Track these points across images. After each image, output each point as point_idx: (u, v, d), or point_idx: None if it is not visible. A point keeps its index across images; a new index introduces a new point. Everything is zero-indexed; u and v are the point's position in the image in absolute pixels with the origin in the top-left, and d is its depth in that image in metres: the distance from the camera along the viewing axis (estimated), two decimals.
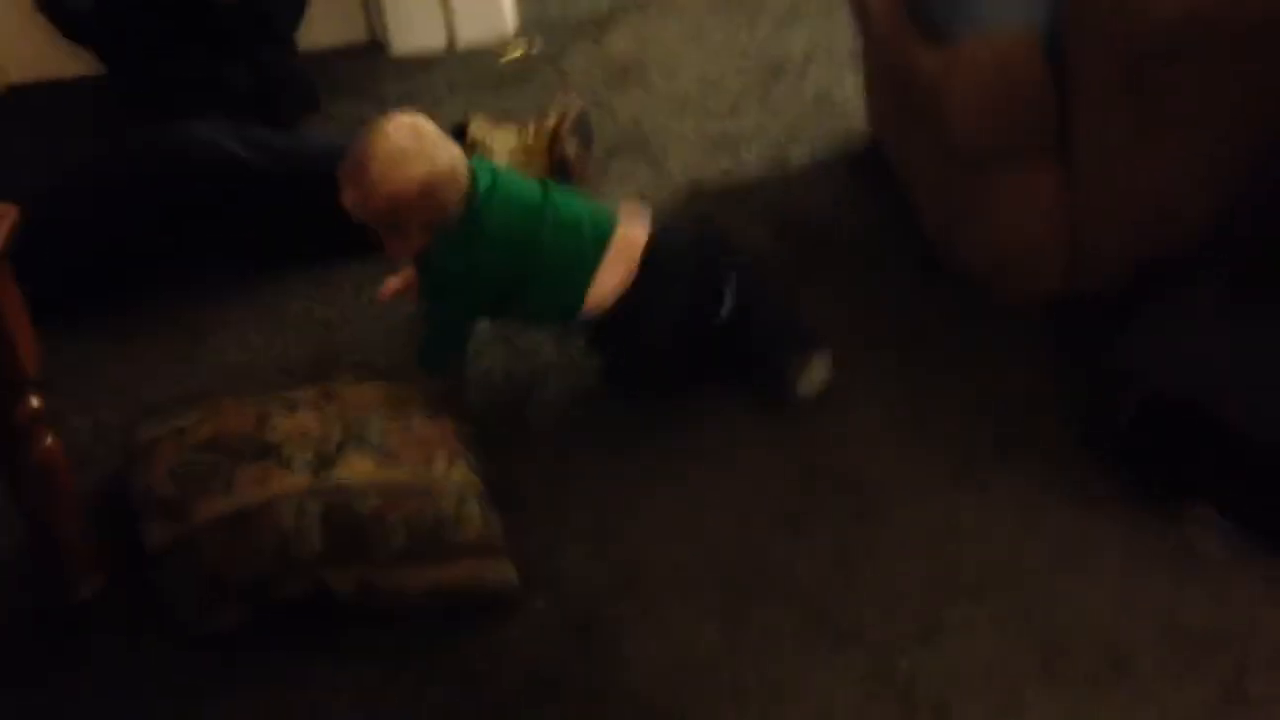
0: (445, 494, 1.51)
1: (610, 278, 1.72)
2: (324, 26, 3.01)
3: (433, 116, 2.69)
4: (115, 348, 2.03)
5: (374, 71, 3.03)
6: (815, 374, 1.76)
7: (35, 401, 1.39)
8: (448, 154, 1.67)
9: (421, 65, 3.03)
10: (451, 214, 1.67)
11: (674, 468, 1.69)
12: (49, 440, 1.42)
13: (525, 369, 1.92)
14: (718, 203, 2.32)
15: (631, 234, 1.76)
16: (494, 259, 1.69)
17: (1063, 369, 1.78)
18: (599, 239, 1.73)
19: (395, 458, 1.54)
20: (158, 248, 2.16)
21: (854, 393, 1.79)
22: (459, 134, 2.32)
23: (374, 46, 3.18)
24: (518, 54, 3.06)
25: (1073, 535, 1.54)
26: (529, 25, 3.21)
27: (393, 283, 1.87)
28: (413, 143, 1.66)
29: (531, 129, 2.34)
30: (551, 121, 2.31)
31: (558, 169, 2.26)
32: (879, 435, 1.72)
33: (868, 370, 1.84)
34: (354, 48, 3.15)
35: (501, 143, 2.30)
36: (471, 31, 3.13)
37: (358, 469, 1.51)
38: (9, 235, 1.29)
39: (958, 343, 1.87)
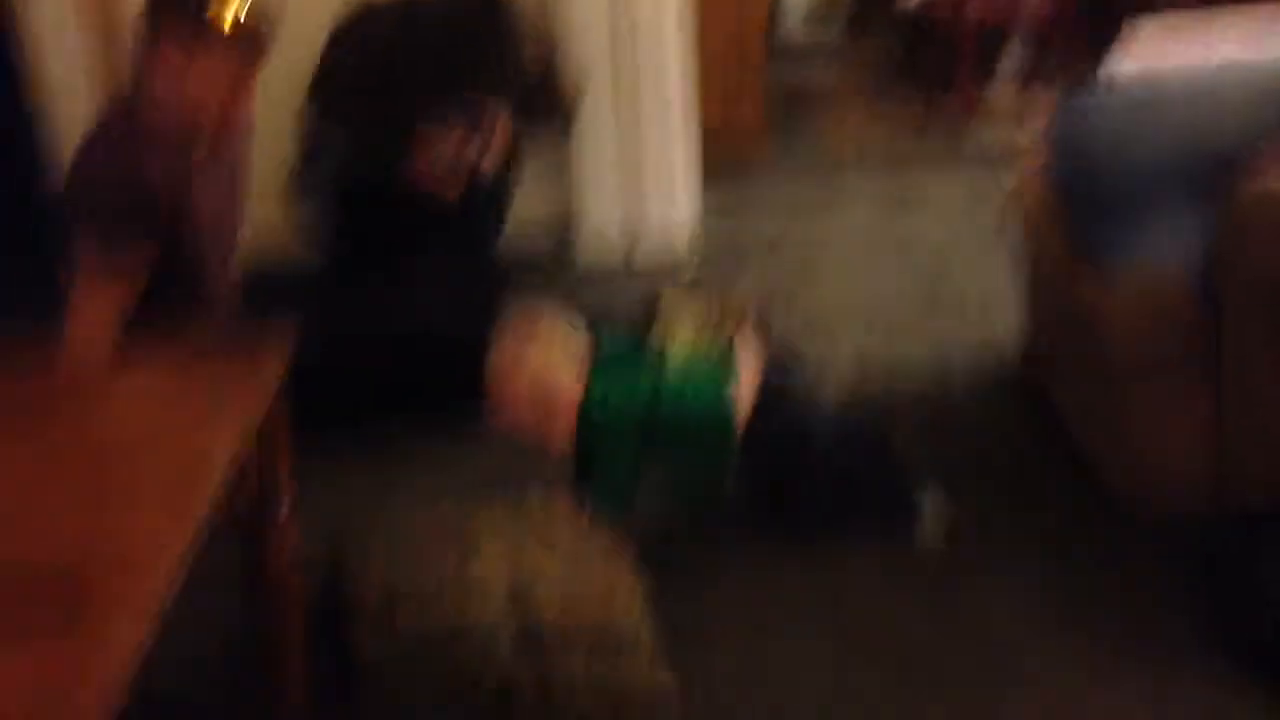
0: (623, 611, 1.66)
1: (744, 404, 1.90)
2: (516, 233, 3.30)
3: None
4: (322, 478, 2.23)
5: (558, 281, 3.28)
6: (934, 520, 1.93)
7: (284, 512, 1.59)
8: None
9: (602, 278, 3.30)
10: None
11: (830, 621, 1.81)
12: (288, 547, 1.61)
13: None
14: (880, 408, 2.47)
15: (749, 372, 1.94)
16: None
17: (1204, 581, 1.84)
18: (720, 417, 1.91)
19: (580, 587, 1.69)
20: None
21: (1001, 580, 1.90)
22: (652, 302, 2.52)
23: (560, 257, 3.46)
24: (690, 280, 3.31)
25: None
26: (704, 247, 3.48)
27: None
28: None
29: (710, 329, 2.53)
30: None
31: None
32: (1022, 620, 1.81)
33: (1014, 563, 1.94)
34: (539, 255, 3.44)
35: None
36: (651, 247, 3.41)
37: (546, 600, 1.65)
38: (292, 350, 1.51)
39: (1104, 552, 1.96)
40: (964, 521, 2.06)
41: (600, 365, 1.97)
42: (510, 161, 2.94)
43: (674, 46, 3.33)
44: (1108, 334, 1.87)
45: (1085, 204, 2.12)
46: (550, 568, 1.73)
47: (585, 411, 1.93)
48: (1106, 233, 2.01)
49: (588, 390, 1.93)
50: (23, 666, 0.99)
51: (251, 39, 2.06)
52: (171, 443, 1.39)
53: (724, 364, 2.03)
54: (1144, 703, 1.64)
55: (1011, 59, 5.37)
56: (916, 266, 3.27)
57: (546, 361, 1.94)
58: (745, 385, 1.98)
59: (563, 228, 3.50)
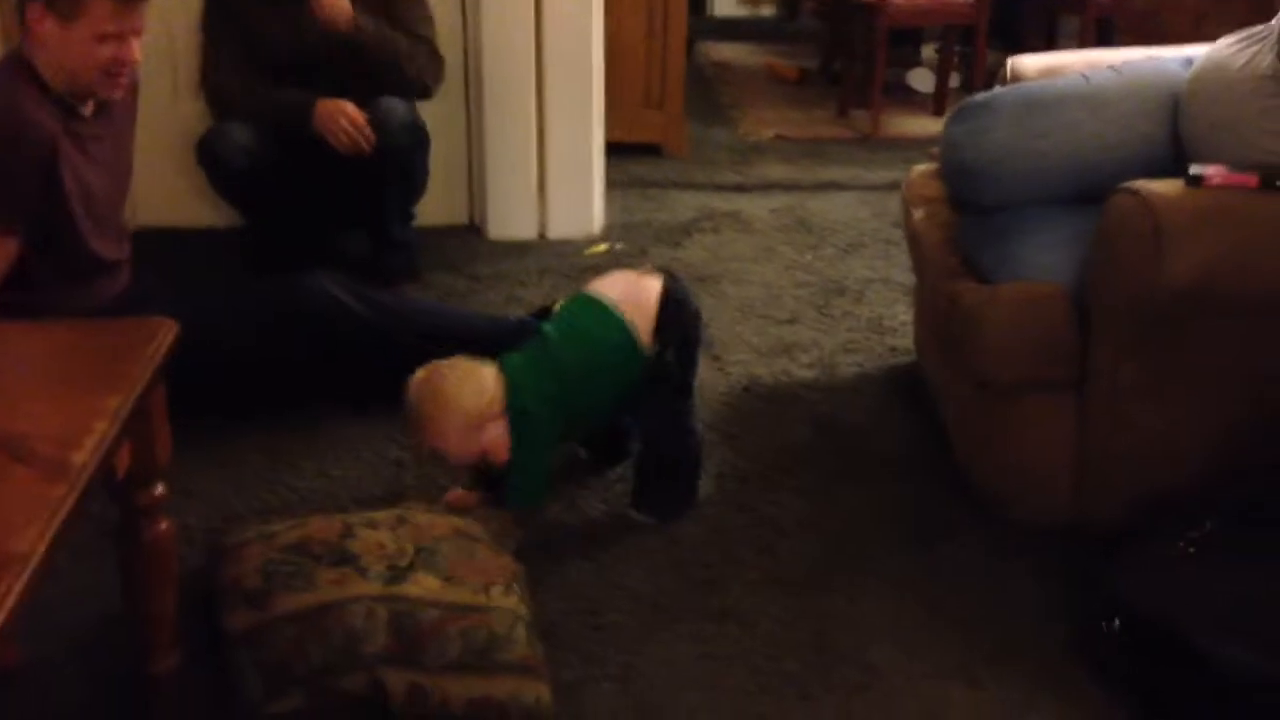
0: (498, 616, 1.68)
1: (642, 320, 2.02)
2: (432, 208, 3.34)
3: (519, 296, 3.00)
4: (208, 461, 2.24)
5: (471, 251, 3.34)
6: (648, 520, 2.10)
7: (160, 489, 1.60)
8: (474, 396, 1.97)
9: (514, 250, 3.35)
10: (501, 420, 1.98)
11: (702, 625, 1.85)
12: (165, 524, 1.62)
13: (576, 520, 2.11)
14: (769, 400, 2.54)
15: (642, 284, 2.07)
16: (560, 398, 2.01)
17: (1065, 587, 1.93)
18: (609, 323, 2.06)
19: (458, 581, 1.72)
20: (265, 379, 2.40)
21: (871, 582, 1.95)
22: (544, 314, 2.58)
23: (473, 229, 3.51)
24: (601, 249, 3.36)
25: None
26: (614, 228, 3.53)
27: (458, 496, 2.09)
28: (439, 403, 1.98)
29: None
30: None
31: None
32: (888, 622, 1.87)
33: (885, 564, 2.00)
34: (456, 229, 3.49)
35: None
36: (562, 227, 3.45)
37: (425, 585, 1.69)
38: (171, 345, 1.53)
39: (971, 552, 2.03)
40: (838, 519, 2.12)
41: (510, 368, 2.02)
42: (418, 132, 2.95)
43: (591, 29, 3.33)
44: (984, 343, 1.94)
45: (970, 206, 2.18)
46: (430, 560, 1.76)
47: (518, 408, 1.97)
48: (989, 239, 2.07)
49: (511, 390, 1.98)
50: None
51: None
52: (53, 404, 1.39)
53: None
54: (1007, 710, 1.70)
55: (928, 53, 5.46)
56: (822, 256, 3.33)
57: (463, 392, 1.97)
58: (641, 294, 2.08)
59: (475, 204, 3.51)
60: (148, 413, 1.51)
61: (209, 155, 2.88)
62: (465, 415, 1.96)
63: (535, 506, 2.06)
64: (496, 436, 1.98)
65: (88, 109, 2.17)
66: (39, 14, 2.06)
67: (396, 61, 2.87)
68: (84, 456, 1.26)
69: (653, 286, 2.08)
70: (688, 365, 2.13)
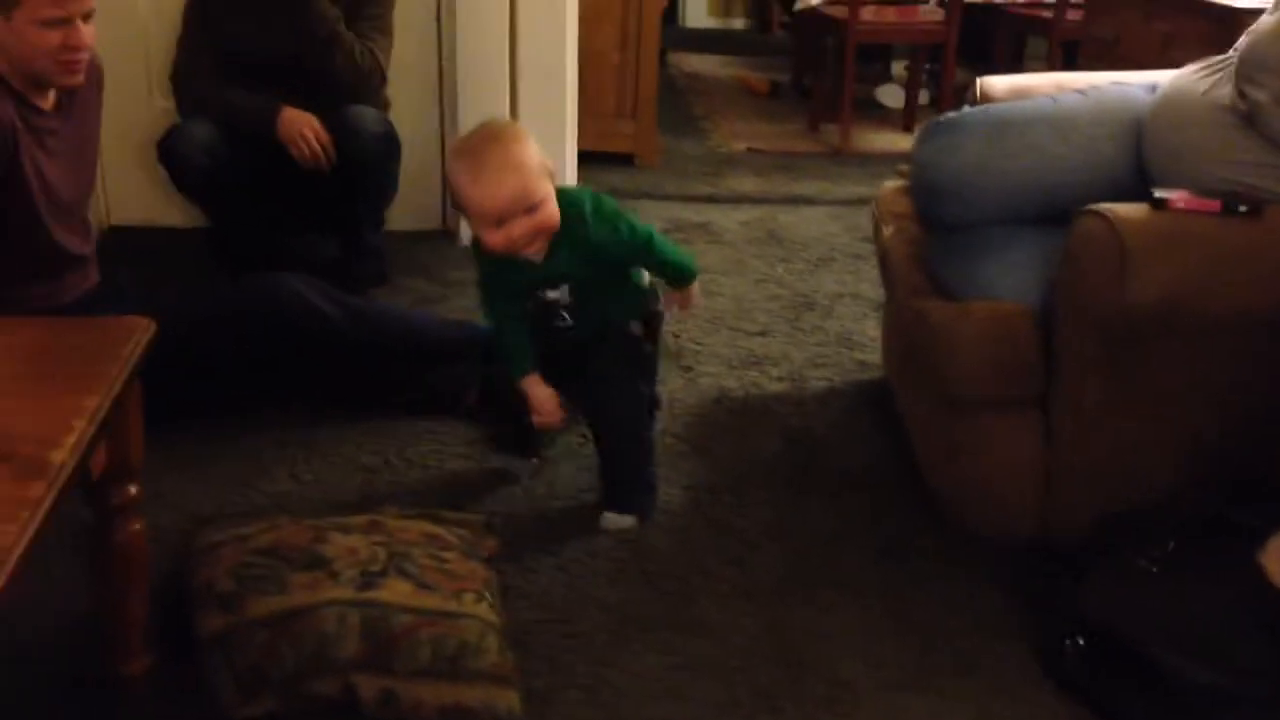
0: (470, 624, 1.69)
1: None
2: (404, 213, 3.35)
3: None
4: (179, 463, 2.24)
5: (442, 257, 3.35)
6: (621, 524, 2.12)
7: (134, 489, 1.60)
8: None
9: None
10: None
11: (671, 636, 1.86)
12: (138, 525, 1.62)
13: (547, 530, 2.12)
14: (739, 412, 2.56)
15: None
16: None
17: (1029, 602, 1.96)
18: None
19: (430, 588, 1.73)
20: (235, 381, 2.40)
21: (839, 595, 1.98)
22: None
23: (445, 235, 3.51)
24: None
25: None
26: None
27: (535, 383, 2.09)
28: (512, 132, 1.98)
29: None
30: None
31: None
32: (855, 634, 1.89)
33: (853, 577, 2.02)
34: (428, 234, 3.49)
35: None
36: None
37: (396, 591, 1.70)
38: (149, 345, 1.53)
39: (937, 566, 2.06)
40: (807, 532, 2.15)
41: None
42: (388, 141, 2.96)
43: (564, 38, 3.35)
44: (951, 360, 1.96)
45: (938, 224, 2.21)
46: (402, 566, 1.77)
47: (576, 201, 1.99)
48: (956, 257, 2.11)
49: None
50: None
51: None
52: (32, 403, 1.39)
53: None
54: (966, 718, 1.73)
55: (898, 69, 5.52)
56: (793, 270, 3.36)
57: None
58: None
59: (447, 209, 3.52)
60: (124, 412, 1.51)
61: (169, 153, 2.87)
62: (536, 149, 1.93)
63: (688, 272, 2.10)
64: (551, 198, 1.93)
65: (47, 103, 2.16)
66: None
67: (330, 48, 2.86)
68: (63, 455, 1.26)
69: None
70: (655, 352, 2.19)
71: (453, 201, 2.01)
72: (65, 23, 2.06)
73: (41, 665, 1.74)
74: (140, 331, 1.55)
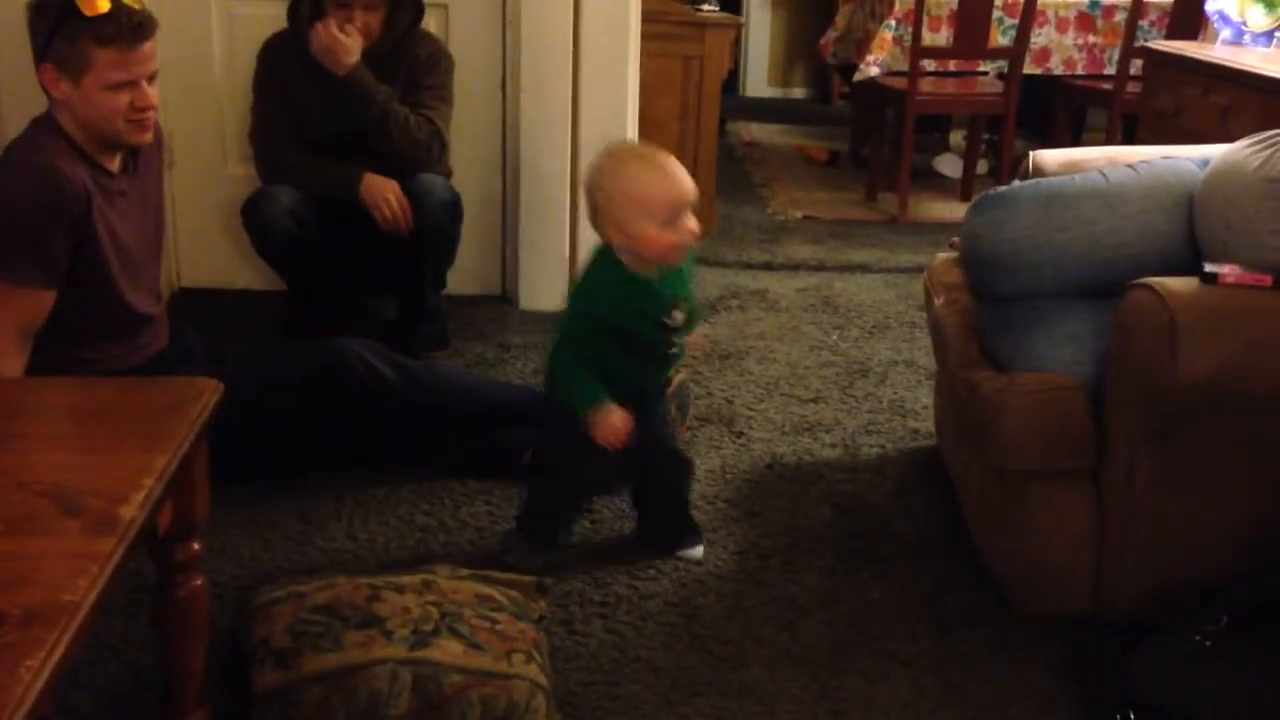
0: (519, 684, 1.71)
1: None
2: (465, 277, 3.42)
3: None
4: (240, 520, 2.30)
5: (502, 321, 3.41)
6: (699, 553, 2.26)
7: (198, 546, 1.65)
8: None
9: (544, 321, 3.41)
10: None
11: (720, 700, 1.87)
12: (200, 581, 1.67)
13: (597, 593, 2.14)
14: (791, 479, 2.57)
15: None
16: None
17: (1080, 677, 1.94)
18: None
19: (480, 648, 1.76)
20: (297, 441, 2.46)
21: (890, 665, 1.97)
22: None
23: (505, 299, 3.58)
24: None
25: None
26: None
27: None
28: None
29: None
30: None
31: None
32: (906, 706, 1.88)
33: (904, 648, 2.02)
34: (488, 298, 3.56)
35: None
36: None
37: (448, 650, 1.73)
38: (217, 405, 1.59)
39: (988, 639, 2.04)
40: (858, 600, 2.15)
41: None
42: (455, 208, 3.04)
43: (626, 107, 3.42)
44: (1002, 432, 1.97)
45: (990, 296, 2.23)
46: (454, 625, 1.80)
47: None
48: (1008, 329, 2.12)
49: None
50: None
51: (133, 24, 2.12)
52: (102, 460, 1.45)
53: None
54: None
55: (956, 139, 5.55)
56: (847, 337, 3.38)
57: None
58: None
59: (506, 275, 3.59)
60: (191, 471, 1.56)
61: (254, 217, 2.96)
62: None
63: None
64: None
65: (115, 164, 2.25)
66: (52, 77, 2.15)
67: (385, 125, 2.93)
68: (132, 511, 1.31)
69: None
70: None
71: (594, 214, 2.06)
72: (132, 85, 2.16)
73: (103, 716, 1.78)
74: (209, 393, 1.61)
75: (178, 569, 1.64)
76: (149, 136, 2.25)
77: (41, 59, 2.16)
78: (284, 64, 3.00)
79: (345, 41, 2.89)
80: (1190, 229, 2.12)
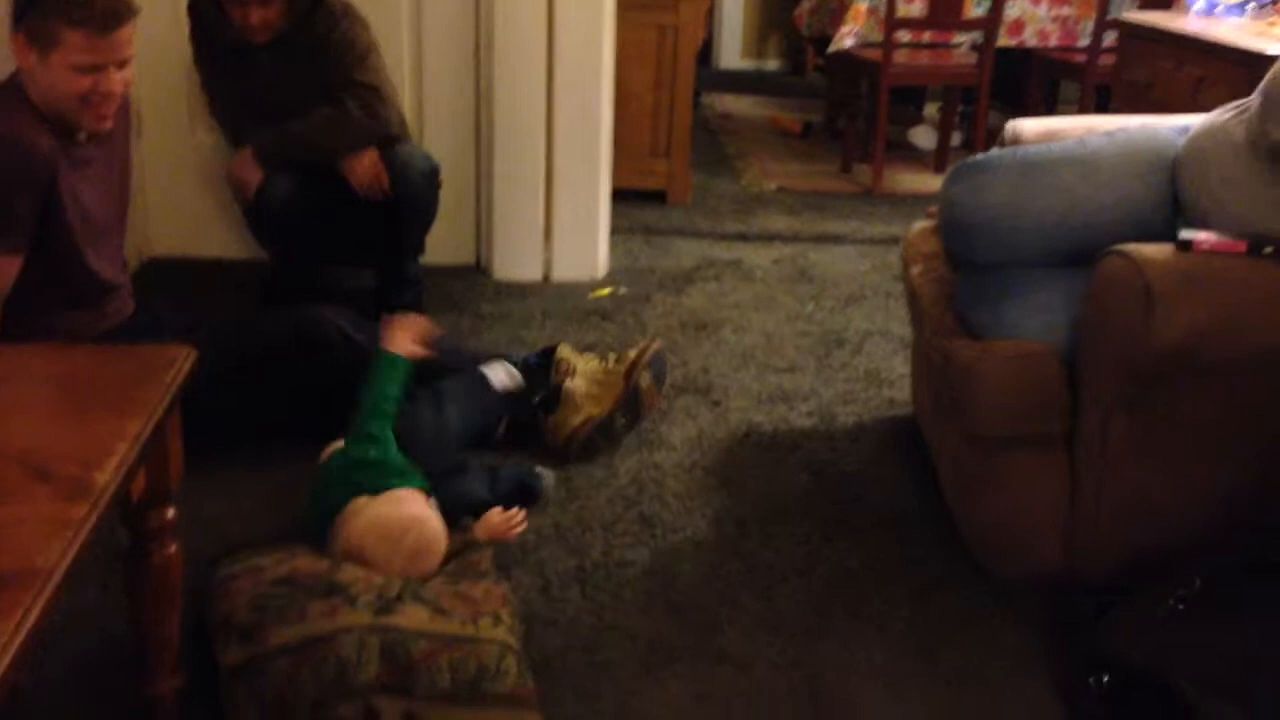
0: (488, 648, 1.71)
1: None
2: (440, 247, 3.40)
3: (522, 337, 3.04)
4: (214, 487, 2.28)
5: (477, 291, 3.39)
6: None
7: (171, 513, 1.63)
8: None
9: (518, 291, 3.40)
10: None
11: (698, 666, 1.88)
12: (174, 547, 1.65)
13: (574, 561, 2.14)
14: (767, 447, 2.58)
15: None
16: None
17: (1054, 640, 1.96)
18: None
19: (445, 612, 1.75)
20: (269, 408, 2.44)
21: (865, 630, 1.99)
22: (548, 354, 2.63)
23: (479, 270, 3.56)
24: (605, 293, 3.41)
25: None
26: (618, 273, 3.58)
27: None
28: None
29: (613, 357, 2.63)
30: (632, 354, 2.61)
31: (630, 397, 2.53)
32: (881, 671, 1.90)
33: (880, 613, 2.03)
34: (462, 269, 3.54)
35: (584, 364, 2.59)
36: (567, 270, 3.50)
37: (413, 617, 1.72)
38: (190, 371, 1.57)
39: (963, 603, 2.06)
40: (834, 567, 2.16)
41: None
42: (433, 175, 3.02)
43: (601, 78, 3.40)
44: (976, 399, 1.97)
45: (966, 264, 2.23)
46: (417, 591, 1.79)
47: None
48: (984, 297, 2.12)
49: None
50: None
51: (109, 10, 2.07)
52: (75, 426, 1.43)
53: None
54: None
55: (931, 111, 5.55)
56: (823, 307, 3.38)
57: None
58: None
59: (482, 245, 3.57)
60: (164, 437, 1.54)
61: (257, 200, 2.95)
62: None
63: None
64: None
65: (82, 134, 2.22)
66: (21, 46, 2.11)
67: (320, 151, 2.93)
68: (105, 477, 1.29)
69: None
70: None
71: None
72: (98, 69, 2.11)
73: (77, 683, 1.77)
74: (181, 359, 1.59)
75: (151, 535, 1.62)
76: (106, 125, 2.20)
77: (16, 26, 2.11)
78: (215, 34, 2.97)
79: (243, 177, 2.92)
80: (1165, 196, 2.12)
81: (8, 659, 1.03)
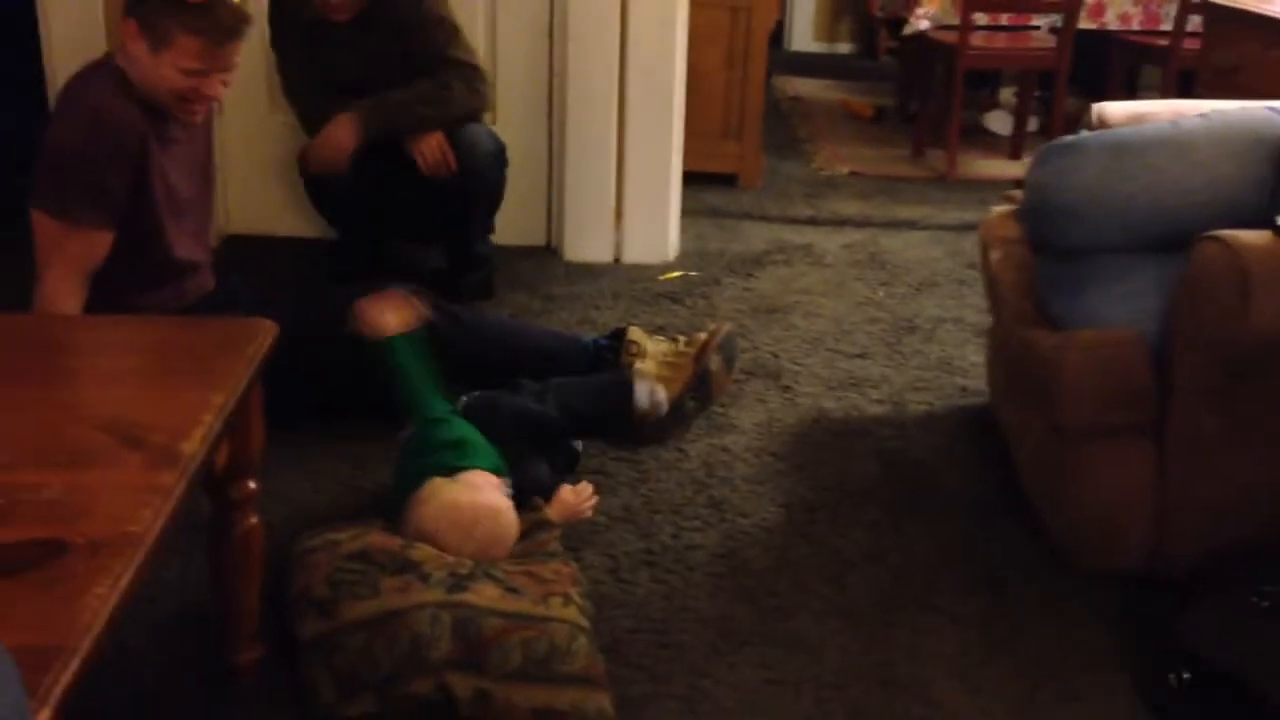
0: (558, 627, 1.71)
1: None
2: (510, 228, 3.41)
3: (592, 319, 3.04)
4: (290, 463, 2.30)
5: (547, 272, 3.39)
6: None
7: (253, 484, 1.66)
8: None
9: (589, 272, 3.40)
10: None
11: (768, 651, 1.87)
12: (254, 519, 1.68)
13: (645, 545, 2.14)
14: (838, 434, 2.56)
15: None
16: None
17: (1134, 635, 1.92)
18: None
19: (516, 591, 1.75)
20: (345, 385, 2.46)
21: (937, 619, 1.96)
22: (619, 335, 2.62)
23: (550, 251, 3.56)
24: (674, 276, 3.40)
25: None
26: (689, 255, 3.57)
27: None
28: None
29: (683, 340, 2.62)
30: (702, 337, 2.59)
31: (700, 380, 2.52)
32: (953, 659, 1.87)
33: (952, 603, 2.01)
34: (533, 249, 3.54)
35: (655, 346, 2.59)
36: (637, 252, 3.49)
37: (485, 595, 1.72)
38: (272, 345, 1.59)
39: (1038, 594, 2.03)
40: (905, 555, 2.14)
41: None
42: (500, 155, 3.04)
43: (673, 60, 3.38)
44: (1060, 389, 1.94)
45: (1050, 250, 2.19)
46: (489, 570, 1.80)
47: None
48: (1067, 284, 2.08)
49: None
50: None
51: (226, 25, 2.12)
52: (162, 396, 1.45)
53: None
54: None
55: (1006, 95, 5.46)
56: (894, 294, 3.34)
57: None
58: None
59: (553, 226, 3.57)
60: (247, 410, 1.56)
61: (321, 175, 2.98)
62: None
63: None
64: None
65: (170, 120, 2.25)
66: (133, 32, 2.14)
67: (425, 122, 2.94)
68: (193, 447, 1.31)
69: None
70: None
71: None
72: (204, 74, 2.15)
73: (160, 650, 1.80)
74: (264, 333, 1.61)
75: (234, 507, 1.65)
76: (197, 120, 2.26)
77: (131, 12, 2.15)
78: (294, 14, 2.99)
79: (340, 143, 2.92)
80: (1261, 177, 2.05)
81: (100, 621, 1.05)
